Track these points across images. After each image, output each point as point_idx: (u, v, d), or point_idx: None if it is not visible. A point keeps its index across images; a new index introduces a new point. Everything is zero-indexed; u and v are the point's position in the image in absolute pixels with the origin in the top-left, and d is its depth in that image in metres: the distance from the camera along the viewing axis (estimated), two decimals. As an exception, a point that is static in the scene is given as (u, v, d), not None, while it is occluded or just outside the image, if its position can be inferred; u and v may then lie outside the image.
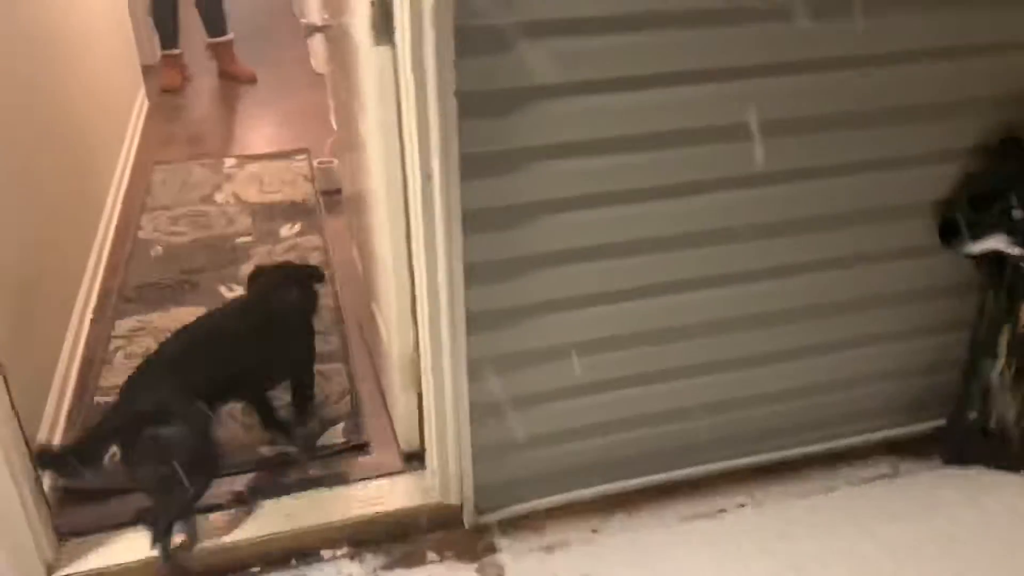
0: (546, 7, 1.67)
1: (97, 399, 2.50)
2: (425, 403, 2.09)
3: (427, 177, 1.74)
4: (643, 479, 2.25)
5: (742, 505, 2.21)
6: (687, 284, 2.02)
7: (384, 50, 1.77)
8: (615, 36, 1.72)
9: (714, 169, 1.90)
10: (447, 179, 1.74)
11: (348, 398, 2.51)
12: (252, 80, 5.44)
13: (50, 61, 3.00)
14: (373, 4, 1.71)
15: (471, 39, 1.64)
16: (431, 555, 2.08)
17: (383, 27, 1.73)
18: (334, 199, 3.84)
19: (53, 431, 2.29)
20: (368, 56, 1.81)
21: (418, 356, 2.09)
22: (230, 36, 5.41)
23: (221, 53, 5.44)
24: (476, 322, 1.92)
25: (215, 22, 5.32)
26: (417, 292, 1.96)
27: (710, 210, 1.95)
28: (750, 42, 1.79)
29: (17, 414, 1.85)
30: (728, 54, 1.79)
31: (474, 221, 1.81)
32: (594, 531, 2.14)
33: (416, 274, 1.94)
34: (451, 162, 1.72)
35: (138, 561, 1.97)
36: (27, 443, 1.89)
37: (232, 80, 5.46)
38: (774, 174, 1.93)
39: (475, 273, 1.87)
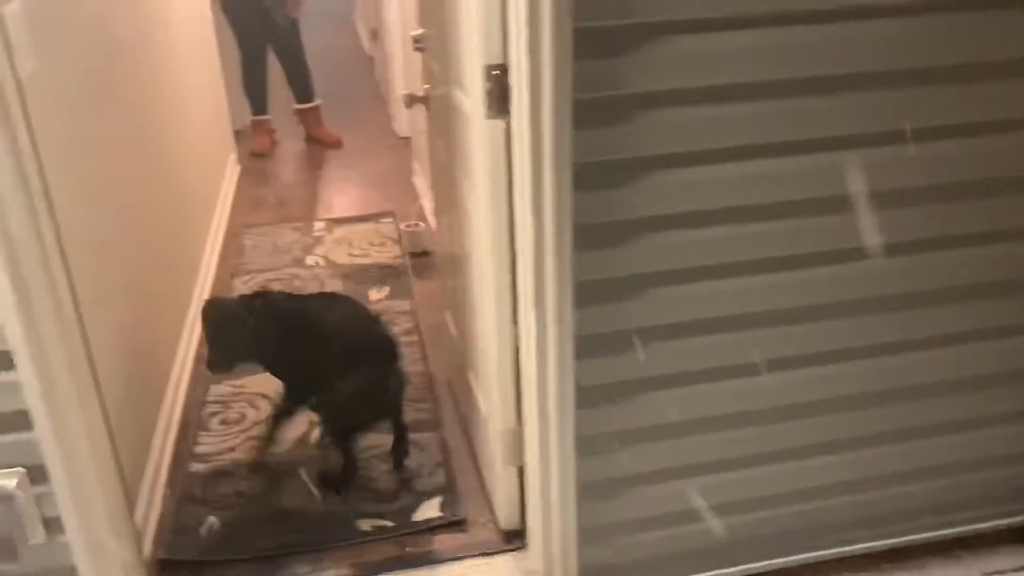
0: (663, 79, 1.63)
1: (195, 467, 2.49)
2: (529, 479, 2.02)
3: (539, 248, 1.70)
4: (756, 564, 2.12)
5: (867, 594, 2.06)
6: (807, 359, 1.92)
7: (497, 122, 1.75)
8: (732, 106, 1.67)
9: (840, 239, 1.82)
10: (560, 249, 1.69)
11: (442, 470, 2.45)
12: (338, 144, 5.56)
13: (155, 128, 3.09)
14: (489, 79, 1.69)
15: (586, 111, 1.61)
16: (534, 641, 1.98)
17: (498, 101, 1.71)
18: (421, 261, 3.86)
19: (151, 506, 2.28)
20: (479, 127, 1.79)
21: (521, 430, 2.03)
22: (317, 102, 5.56)
23: (308, 118, 5.59)
24: (585, 396, 1.86)
25: (303, 89, 5.48)
26: (523, 364, 1.90)
27: (835, 281, 1.85)
28: (870, 110, 1.72)
29: (127, 504, 1.85)
30: (849, 122, 1.72)
31: (586, 292, 1.76)
32: (708, 618, 2.02)
33: (523, 346, 1.88)
34: (565, 232, 1.68)
35: (236, 639, 1.92)
36: (132, 524, 1.88)
37: (319, 144, 5.59)
38: (905, 244, 1.83)
39: (586, 346, 1.81)
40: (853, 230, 1.81)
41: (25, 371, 1.57)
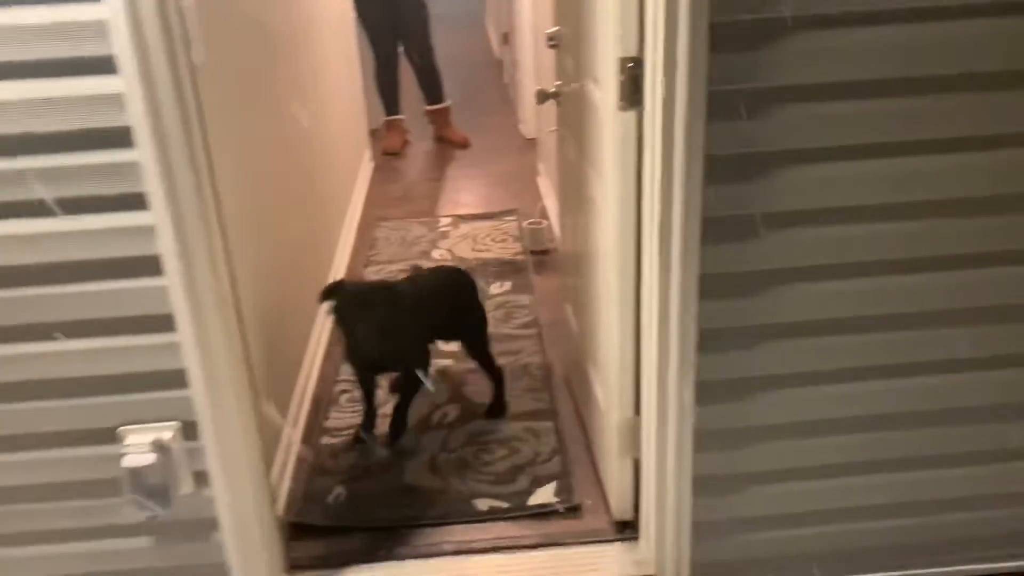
0: (798, 73, 1.62)
1: (325, 440, 2.64)
2: (644, 471, 2.04)
3: (665, 239, 1.73)
4: (886, 575, 2.07)
5: (992, 615, 1.97)
6: (937, 366, 1.86)
7: (629, 114, 1.79)
8: (868, 102, 1.65)
9: (979, 242, 1.76)
10: (687, 242, 1.71)
11: (558, 458, 2.50)
12: (466, 145, 5.72)
13: (304, 130, 3.28)
14: (623, 71, 1.73)
15: (720, 104, 1.63)
16: (643, 631, 2.00)
17: (631, 93, 1.75)
18: (542, 259, 3.92)
19: (284, 472, 2.43)
20: (612, 119, 1.83)
21: (638, 421, 2.06)
22: (447, 103, 5.73)
23: (438, 119, 5.77)
24: (705, 391, 1.86)
25: (433, 90, 5.67)
26: (644, 355, 1.93)
27: (973, 285, 1.79)
28: (1009, 110, 1.66)
29: (264, 455, 1.99)
30: (1001, 120, 1.67)
31: (711, 286, 1.77)
32: (819, 626, 1.98)
33: (644, 339, 1.91)
34: (692, 223, 1.70)
35: (358, 601, 2.03)
36: (269, 484, 2.02)
37: (447, 144, 5.77)
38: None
39: (708, 340, 1.81)
40: (982, 234, 1.75)
41: (185, 333, 1.72)
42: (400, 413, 2.61)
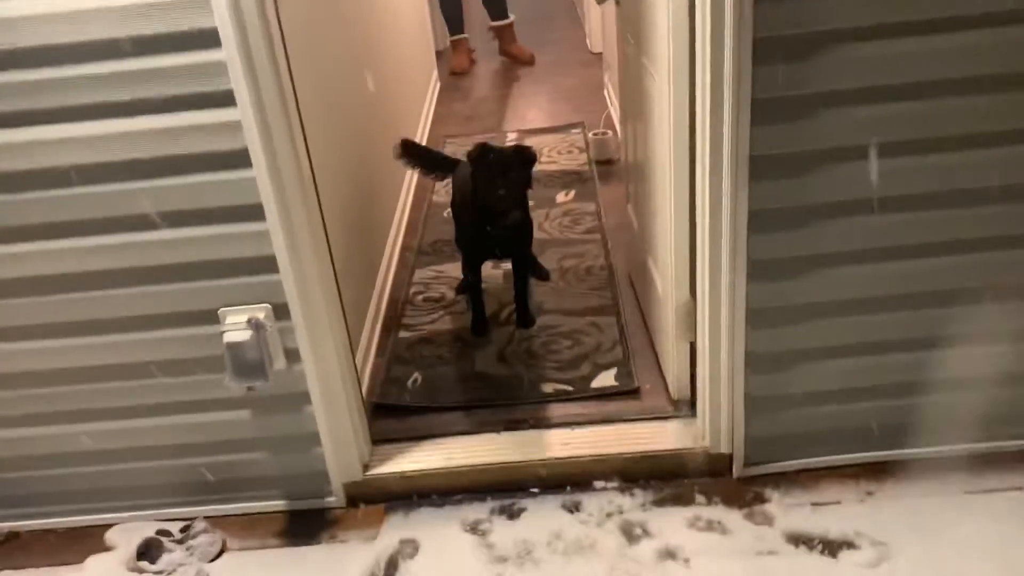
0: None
1: (402, 334, 2.83)
2: (700, 351, 2.15)
3: (717, 119, 1.81)
4: (925, 449, 2.15)
5: (1041, 486, 2.05)
6: (982, 243, 1.92)
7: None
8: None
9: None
10: (737, 124, 1.79)
11: (619, 347, 2.63)
12: (531, 61, 5.75)
13: (374, 44, 3.41)
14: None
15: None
16: (699, 497, 2.14)
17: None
18: (607, 169, 4.00)
19: (366, 359, 2.63)
20: (665, 6, 1.90)
21: (695, 305, 2.16)
22: (511, 19, 5.75)
23: (503, 35, 5.81)
24: (757, 271, 1.95)
25: (496, 6, 5.68)
26: (698, 240, 2.02)
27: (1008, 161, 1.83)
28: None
29: (349, 338, 2.17)
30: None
31: (761, 168, 1.84)
32: (868, 493, 2.10)
33: (699, 222, 2.00)
34: (742, 106, 1.77)
35: (436, 469, 2.22)
36: (354, 362, 2.21)
37: (512, 59, 5.81)
38: None
39: (758, 221, 1.90)
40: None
41: (273, 222, 1.89)
42: (524, 298, 2.80)
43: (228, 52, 1.74)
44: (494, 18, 5.74)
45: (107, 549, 2.15)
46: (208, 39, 1.73)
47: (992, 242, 1.92)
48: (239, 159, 1.84)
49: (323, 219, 2.04)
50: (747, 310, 1.99)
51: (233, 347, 1.97)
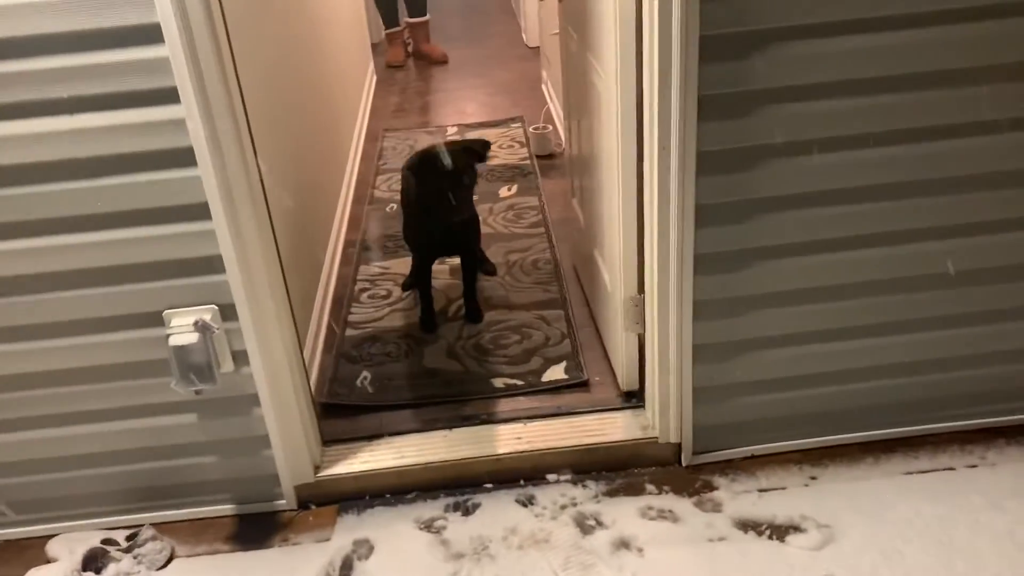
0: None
1: (349, 332, 2.80)
2: (648, 343, 2.18)
3: (664, 116, 1.84)
4: (864, 433, 2.24)
5: (972, 466, 2.15)
6: (919, 233, 1.99)
7: (628, -1, 1.88)
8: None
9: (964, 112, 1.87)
10: (684, 120, 1.82)
11: (568, 340, 2.66)
12: (444, 60, 5.68)
13: (310, 37, 3.35)
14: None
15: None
16: (649, 487, 2.18)
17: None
18: (548, 163, 4.02)
19: (312, 358, 2.60)
20: (611, 2, 1.93)
21: (642, 298, 2.20)
22: (426, 18, 5.68)
23: (416, 33, 5.73)
24: (703, 264, 1.99)
25: (415, 2, 5.61)
26: (646, 234, 2.05)
27: (946, 156, 1.91)
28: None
29: (298, 337, 2.14)
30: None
31: (707, 163, 1.88)
32: (812, 478, 2.17)
33: (647, 217, 2.03)
34: (689, 103, 1.80)
35: (388, 468, 2.21)
36: (303, 363, 2.18)
37: (424, 59, 5.73)
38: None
39: (705, 215, 1.94)
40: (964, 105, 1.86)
41: (219, 221, 1.85)
42: (474, 293, 2.82)
43: (172, 48, 1.69)
44: (411, 14, 5.66)
45: (48, 561, 2.08)
46: (151, 34, 1.68)
47: (928, 232, 1.99)
48: (183, 157, 1.79)
49: (270, 217, 2.00)
50: (694, 302, 2.04)
51: (179, 350, 1.93)
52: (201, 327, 1.93)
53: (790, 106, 1.84)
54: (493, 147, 4.23)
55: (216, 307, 1.95)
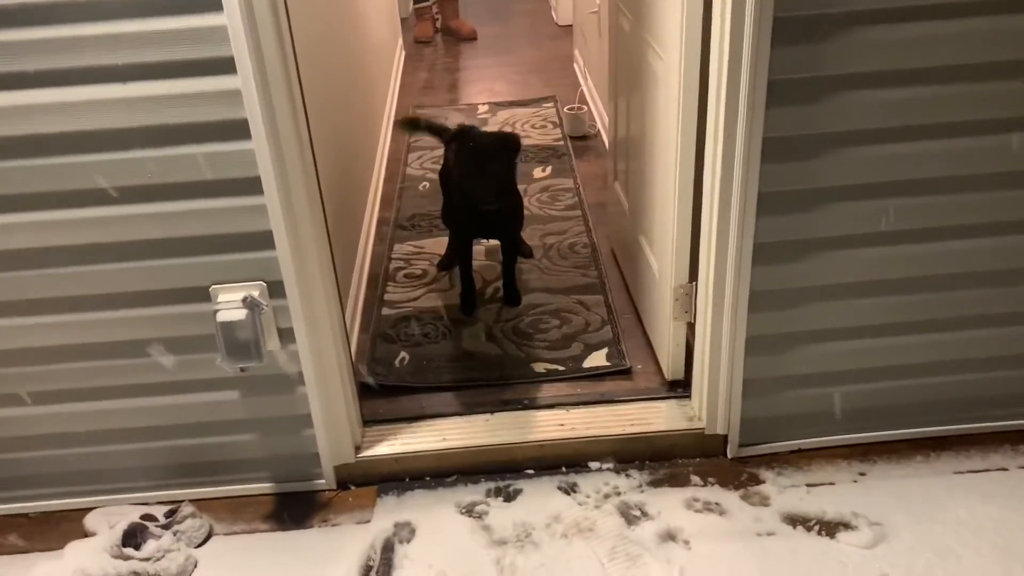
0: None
1: (386, 311, 2.77)
2: (699, 333, 2.14)
3: (732, 102, 1.78)
4: (913, 430, 2.20)
5: (1024, 467, 2.11)
6: (978, 229, 1.95)
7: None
8: None
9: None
10: (752, 105, 1.77)
11: (608, 327, 2.62)
12: (472, 36, 5.60)
13: (351, 16, 3.29)
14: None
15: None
16: (695, 478, 2.15)
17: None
18: (581, 144, 3.97)
19: (350, 335, 2.56)
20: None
21: (692, 286, 2.16)
22: None
23: (445, 8, 5.65)
24: (761, 254, 1.95)
25: None
26: (704, 222, 2.01)
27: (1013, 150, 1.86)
28: None
29: (344, 325, 2.11)
30: None
31: (772, 150, 1.83)
32: (861, 474, 2.13)
33: (706, 203, 1.98)
34: (759, 87, 1.75)
35: (429, 450, 2.18)
36: (348, 347, 2.14)
37: (452, 35, 5.65)
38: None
39: (766, 204, 1.89)
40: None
41: (272, 196, 1.81)
42: (512, 276, 2.75)
43: (230, 16, 1.64)
44: None
45: (86, 535, 2.06)
46: (210, 2, 1.63)
47: (991, 228, 1.94)
48: (238, 130, 1.75)
49: (321, 194, 1.96)
50: (750, 292, 1.99)
51: (226, 326, 1.89)
52: (250, 303, 1.90)
53: (860, 93, 1.79)
54: (526, 126, 4.17)
55: (264, 283, 1.92)
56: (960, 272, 1.99)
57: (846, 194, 1.89)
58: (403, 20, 5.71)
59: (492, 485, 2.16)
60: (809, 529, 1.98)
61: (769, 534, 1.97)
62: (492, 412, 2.28)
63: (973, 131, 1.83)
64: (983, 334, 2.08)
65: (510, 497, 2.13)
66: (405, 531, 2.05)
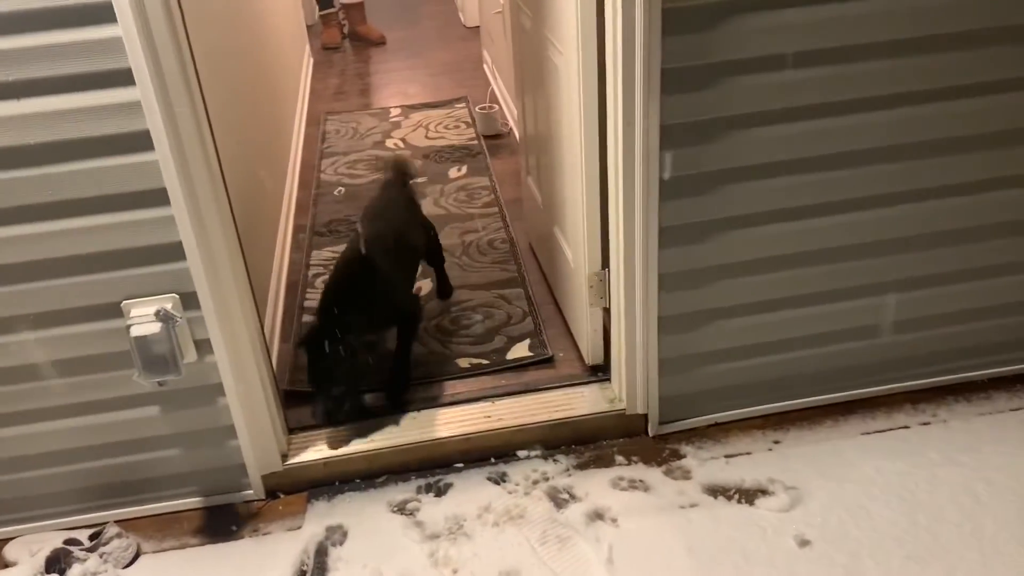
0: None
1: (307, 318, 2.76)
2: (614, 317, 2.21)
3: (629, 92, 1.85)
4: (822, 397, 2.31)
5: (926, 423, 2.23)
6: (871, 200, 2.05)
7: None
8: None
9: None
10: (648, 93, 1.83)
11: (529, 318, 2.67)
12: (381, 41, 5.60)
13: (255, 23, 3.26)
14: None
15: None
16: (619, 458, 2.21)
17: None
18: (495, 143, 4.01)
19: (270, 346, 2.54)
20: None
21: (606, 273, 2.22)
22: None
23: (352, 14, 5.63)
24: (667, 237, 2.02)
25: None
26: (611, 209, 2.07)
27: (900, 123, 1.97)
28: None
29: (262, 328, 2.10)
30: None
31: (670, 136, 1.90)
32: (776, 442, 2.22)
33: (611, 191, 2.05)
34: (652, 75, 1.82)
35: (357, 452, 2.19)
36: (268, 354, 2.14)
37: (361, 40, 5.64)
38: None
39: (668, 188, 1.96)
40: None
41: (179, 206, 1.79)
42: (407, 360, 2.44)
43: (125, 27, 1.62)
44: None
45: (7, 565, 2.01)
46: (102, 13, 1.61)
47: (880, 199, 2.05)
48: (140, 141, 1.73)
49: (230, 202, 1.95)
50: (659, 275, 2.06)
51: (141, 341, 1.87)
52: (163, 316, 1.88)
53: (752, 77, 1.87)
54: (439, 128, 4.20)
55: (177, 295, 1.90)
56: (852, 244, 2.10)
57: (742, 175, 1.98)
58: (309, 27, 5.66)
59: (423, 482, 2.18)
60: (729, 498, 2.06)
61: (692, 506, 2.04)
62: (419, 409, 2.30)
63: (857, 108, 1.93)
64: (876, 302, 2.19)
65: (441, 492, 2.15)
66: (337, 534, 2.05)
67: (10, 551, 2.03)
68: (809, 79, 1.89)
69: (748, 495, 2.06)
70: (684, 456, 2.20)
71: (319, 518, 2.10)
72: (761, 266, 2.10)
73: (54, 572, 1.95)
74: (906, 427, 2.23)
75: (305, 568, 1.97)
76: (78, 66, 1.66)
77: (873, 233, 2.09)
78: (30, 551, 2.00)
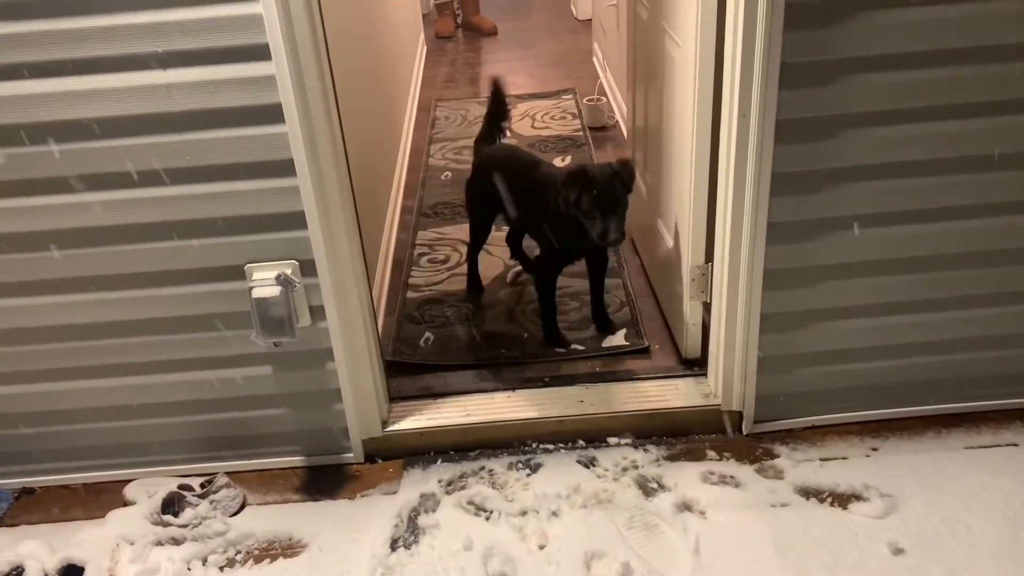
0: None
1: (410, 295, 2.85)
2: (715, 312, 2.20)
3: (746, 85, 1.84)
4: (925, 407, 2.25)
5: (1035, 442, 2.15)
6: (992, 208, 1.99)
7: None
8: None
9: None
10: (765, 88, 1.83)
11: (627, 308, 2.68)
12: (493, 32, 5.68)
13: (374, 9, 3.37)
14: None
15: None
16: (710, 453, 2.21)
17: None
18: (601, 135, 4.03)
19: (377, 314, 2.64)
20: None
21: (709, 267, 2.22)
22: None
23: (466, 4, 5.73)
24: (775, 234, 2.01)
25: None
26: (719, 203, 2.07)
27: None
28: None
29: (372, 302, 2.19)
30: None
31: (785, 132, 1.89)
32: (873, 449, 2.18)
33: (721, 186, 2.04)
34: (772, 69, 1.81)
35: (453, 425, 2.26)
36: (376, 324, 2.23)
37: (473, 30, 5.73)
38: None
39: (779, 185, 1.95)
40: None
41: (304, 178, 1.89)
42: (602, 299, 2.61)
43: (265, 4, 1.72)
44: None
45: (126, 504, 2.16)
46: (247, -8, 1.72)
47: (1001, 207, 1.99)
48: (272, 114, 1.83)
49: (351, 177, 2.04)
50: (764, 271, 2.05)
51: (261, 303, 1.98)
52: (283, 281, 1.98)
53: (869, 76, 1.84)
54: (546, 118, 4.24)
55: (296, 262, 2.00)
56: (971, 251, 2.04)
57: (858, 174, 1.94)
58: (424, 16, 5.79)
59: (514, 459, 2.23)
60: (822, 500, 2.04)
61: (783, 505, 2.03)
62: (514, 389, 2.36)
63: (983, 112, 1.88)
64: (995, 312, 2.12)
65: (532, 470, 2.20)
66: (431, 501, 2.13)
67: (129, 491, 2.18)
68: (930, 80, 1.84)
69: (841, 499, 2.03)
70: (777, 456, 2.19)
71: (414, 485, 2.18)
72: (869, 269, 2.06)
73: (169, 513, 2.09)
74: (1014, 444, 2.15)
75: (399, 531, 2.05)
76: (220, 40, 1.77)
77: (988, 242, 2.03)
78: (148, 492, 2.15)
